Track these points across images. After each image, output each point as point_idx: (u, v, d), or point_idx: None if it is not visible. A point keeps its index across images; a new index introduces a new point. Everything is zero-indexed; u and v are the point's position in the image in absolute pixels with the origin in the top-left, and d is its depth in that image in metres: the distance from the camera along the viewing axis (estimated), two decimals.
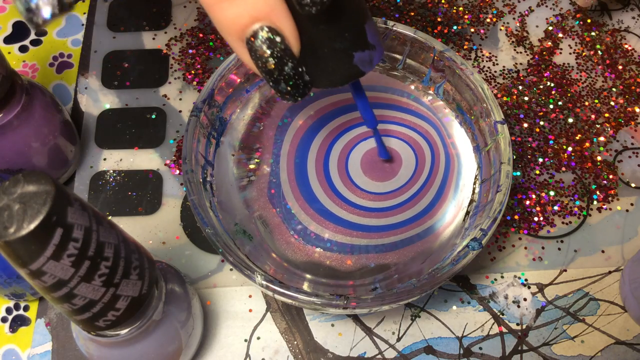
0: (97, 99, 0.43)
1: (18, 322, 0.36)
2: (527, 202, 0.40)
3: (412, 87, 0.38)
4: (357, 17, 0.24)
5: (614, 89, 0.44)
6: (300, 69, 0.23)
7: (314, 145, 0.36)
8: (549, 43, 0.46)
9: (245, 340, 0.35)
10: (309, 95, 0.24)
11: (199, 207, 0.31)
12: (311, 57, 0.24)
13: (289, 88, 0.23)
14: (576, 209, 0.40)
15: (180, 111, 0.43)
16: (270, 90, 0.37)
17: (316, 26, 0.23)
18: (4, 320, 0.36)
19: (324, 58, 0.25)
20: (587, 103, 0.43)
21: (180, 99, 0.43)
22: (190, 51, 0.45)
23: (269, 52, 0.22)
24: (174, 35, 0.46)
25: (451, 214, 0.34)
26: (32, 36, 0.46)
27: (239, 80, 0.36)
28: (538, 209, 0.39)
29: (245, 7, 0.21)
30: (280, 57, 0.22)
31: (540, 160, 0.41)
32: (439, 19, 0.46)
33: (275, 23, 0.21)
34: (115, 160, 0.41)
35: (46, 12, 0.19)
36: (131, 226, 0.39)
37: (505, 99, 0.43)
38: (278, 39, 0.22)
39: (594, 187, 0.40)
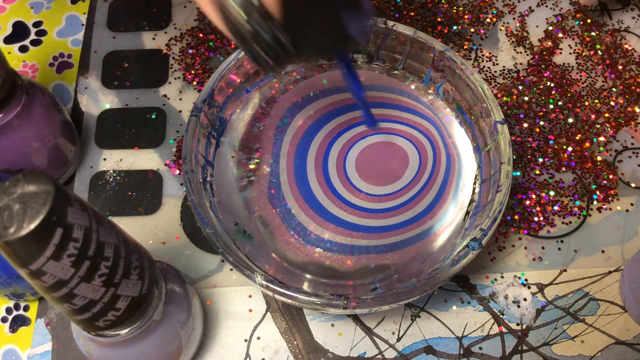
0: (97, 99, 0.43)
1: (18, 322, 0.36)
2: (527, 202, 0.40)
3: (412, 87, 0.38)
4: None
5: (614, 89, 0.44)
6: (280, 37, 0.20)
7: (314, 145, 0.36)
8: (549, 43, 0.46)
9: (245, 340, 0.35)
10: (286, 65, 0.21)
11: (199, 207, 0.31)
12: (299, 21, 0.22)
13: (266, 57, 0.20)
14: (576, 209, 0.40)
15: (180, 111, 0.43)
16: (271, 90, 0.37)
17: None
18: (4, 320, 0.36)
19: (312, 21, 0.22)
20: (587, 103, 0.43)
21: (180, 99, 0.43)
22: (190, 51, 0.45)
23: (245, 16, 0.19)
24: (174, 35, 0.46)
25: (451, 214, 0.34)
26: (32, 36, 0.46)
27: (239, 80, 0.36)
28: (538, 209, 0.39)
29: None
30: (257, 22, 0.19)
31: (540, 160, 0.41)
32: (439, 19, 0.46)
33: None
34: (115, 160, 0.41)
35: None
36: (131, 226, 0.39)
37: (505, 99, 0.43)
38: (255, 1, 0.19)
39: (594, 187, 0.40)
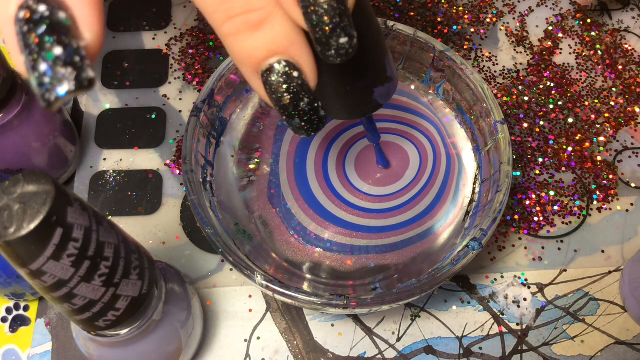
0: (97, 99, 0.43)
1: (18, 322, 0.36)
2: (527, 202, 0.40)
3: (412, 87, 0.38)
4: (378, 55, 0.25)
5: (614, 89, 0.44)
6: (316, 105, 0.22)
7: (314, 145, 0.36)
8: (549, 43, 0.46)
9: (245, 340, 0.35)
10: (320, 129, 0.24)
11: (199, 207, 0.31)
12: (332, 93, 0.25)
13: (303, 123, 0.22)
14: (576, 209, 0.40)
15: (180, 111, 0.43)
16: None
17: (339, 65, 0.22)
18: (4, 320, 0.36)
19: (344, 95, 0.25)
20: (587, 103, 0.43)
21: (180, 99, 0.43)
22: (190, 51, 0.45)
23: (285, 87, 0.21)
24: (174, 35, 0.46)
25: (451, 214, 0.34)
26: None
27: (239, 80, 0.36)
28: (538, 209, 0.39)
29: (264, 40, 0.20)
30: (296, 92, 0.21)
31: (540, 160, 0.41)
32: (439, 19, 0.46)
33: (294, 57, 0.20)
34: (115, 160, 0.41)
35: (62, 89, 0.17)
36: (131, 226, 0.39)
37: (505, 99, 0.43)
38: (295, 74, 0.21)
39: (594, 187, 0.40)
